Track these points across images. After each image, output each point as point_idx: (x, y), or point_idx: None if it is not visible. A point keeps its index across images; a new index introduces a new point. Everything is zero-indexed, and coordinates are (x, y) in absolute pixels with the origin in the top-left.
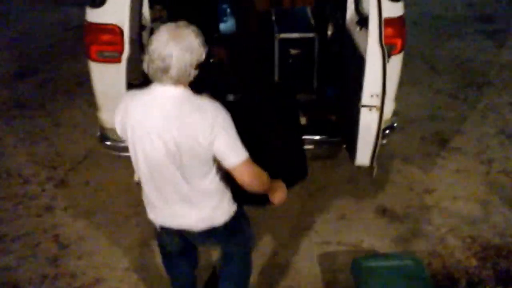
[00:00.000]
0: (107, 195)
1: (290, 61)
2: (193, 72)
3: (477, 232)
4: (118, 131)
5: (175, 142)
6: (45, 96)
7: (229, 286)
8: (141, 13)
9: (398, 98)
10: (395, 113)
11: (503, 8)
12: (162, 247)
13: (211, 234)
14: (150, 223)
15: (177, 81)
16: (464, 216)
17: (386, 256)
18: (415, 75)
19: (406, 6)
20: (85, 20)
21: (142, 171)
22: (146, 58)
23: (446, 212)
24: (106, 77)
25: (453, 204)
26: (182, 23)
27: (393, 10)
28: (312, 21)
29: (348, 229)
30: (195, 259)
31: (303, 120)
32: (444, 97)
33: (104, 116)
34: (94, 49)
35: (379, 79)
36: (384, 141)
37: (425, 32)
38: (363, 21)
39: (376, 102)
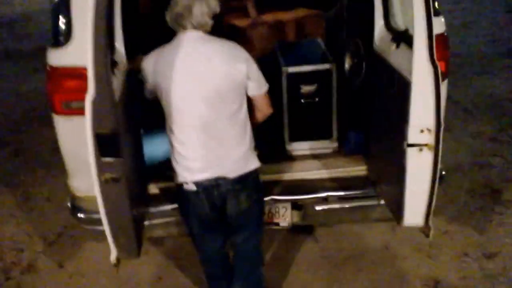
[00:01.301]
0: (86, 281)
1: (302, 101)
2: (210, 22)
3: None
4: (149, 88)
5: (213, 76)
6: (15, 169)
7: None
8: (114, 48)
9: None
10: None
11: None
12: (194, 215)
13: (243, 183)
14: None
15: (197, 27)
16: None
17: None
18: (446, 118)
19: None
20: (47, 64)
21: (178, 121)
22: (168, 9)
23: None
24: (76, 133)
25: None
26: None
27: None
28: (326, 51)
29: None
30: (225, 233)
31: (324, 174)
32: (484, 141)
33: (76, 183)
34: (58, 99)
35: (431, 107)
36: None
37: (450, 72)
38: (401, 37)
39: (428, 139)
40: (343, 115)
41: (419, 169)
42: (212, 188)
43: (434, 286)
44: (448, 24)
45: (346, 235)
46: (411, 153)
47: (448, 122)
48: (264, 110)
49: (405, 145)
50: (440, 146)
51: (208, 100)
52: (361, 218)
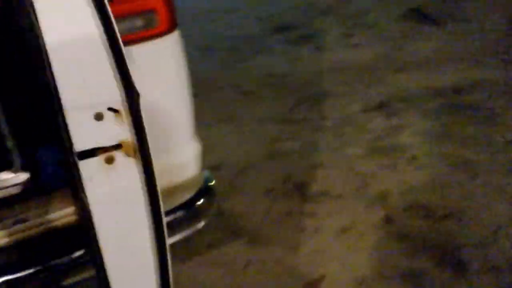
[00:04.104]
0: None
1: None
2: None
3: None
4: None
5: None
6: None
7: None
8: None
9: (206, 137)
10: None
11: (300, 16)
12: None
13: None
14: None
15: None
16: None
17: None
18: (224, 108)
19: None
20: None
21: None
22: None
23: None
24: None
25: None
26: None
27: None
28: None
29: None
30: None
31: (5, 240)
32: (275, 126)
33: None
34: None
35: (104, 59)
36: (201, 224)
37: (222, 56)
38: None
39: (120, 129)
40: (25, 123)
41: (118, 207)
42: None
43: None
44: (212, 10)
45: None
46: (90, 174)
47: (226, 113)
48: None
49: (74, 159)
50: (148, 141)
51: None
52: None
